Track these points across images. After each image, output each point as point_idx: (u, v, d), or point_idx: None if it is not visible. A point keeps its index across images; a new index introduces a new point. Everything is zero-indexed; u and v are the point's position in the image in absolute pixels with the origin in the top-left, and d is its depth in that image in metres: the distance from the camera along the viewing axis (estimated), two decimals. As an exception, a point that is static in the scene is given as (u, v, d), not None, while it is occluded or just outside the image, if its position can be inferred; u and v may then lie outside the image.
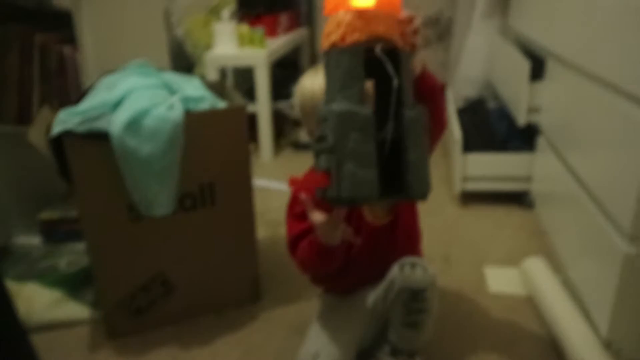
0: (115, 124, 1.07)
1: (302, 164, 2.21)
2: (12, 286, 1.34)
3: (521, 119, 1.66)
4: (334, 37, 0.75)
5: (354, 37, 0.74)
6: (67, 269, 1.44)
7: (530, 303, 1.28)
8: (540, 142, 1.66)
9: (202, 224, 1.20)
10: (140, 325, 1.23)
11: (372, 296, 1.05)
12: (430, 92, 0.89)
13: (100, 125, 1.08)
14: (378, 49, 0.75)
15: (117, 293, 1.20)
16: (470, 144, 1.78)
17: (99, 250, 1.16)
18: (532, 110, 1.64)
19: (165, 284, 1.22)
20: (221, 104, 1.20)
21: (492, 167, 1.76)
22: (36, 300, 1.30)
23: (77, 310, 1.30)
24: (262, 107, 2.21)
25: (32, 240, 1.59)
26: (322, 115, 0.76)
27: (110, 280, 1.19)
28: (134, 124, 1.07)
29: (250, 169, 1.24)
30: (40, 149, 1.19)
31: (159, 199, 1.11)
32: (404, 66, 0.77)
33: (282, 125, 2.46)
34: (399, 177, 0.78)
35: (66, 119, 1.08)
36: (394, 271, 0.98)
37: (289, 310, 1.30)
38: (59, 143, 1.08)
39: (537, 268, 1.31)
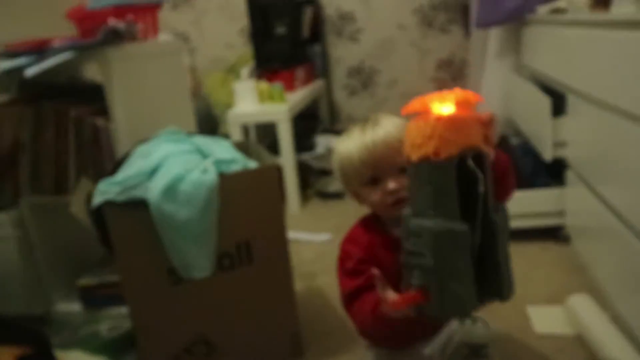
0: (153, 191, 1.10)
1: (329, 212, 2.25)
2: (57, 354, 1.35)
3: (547, 154, 1.66)
4: (426, 150, 0.73)
5: (448, 152, 0.72)
6: (109, 334, 1.45)
7: (579, 342, 1.24)
8: (570, 175, 1.65)
9: (241, 282, 1.21)
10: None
11: (429, 350, 1.04)
12: (502, 172, 0.88)
13: (138, 193, 1.12)
14: (470, 161, 0.74)
15: (161, 356, 1.20)
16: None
17: (141, 314, 1.17)
18: (558, 145, 1.65)
19: (207, 345, 1.23)
20: (252, 164, 1.24)
21: (521, 205, 1.75)
22: (82, 368, 1.32)
23: (122, 376, 1.30)
24: (287, 160, 2.25)
25: (72, 307, 1.61)
26: (414, 231, 0.76)
27: (153, 344, 1.20)
28: (170, 190, 1.10)
29: (284, 225, 1.25)
30: (82, 219, 1.23)
31: (198, 262, 1.13)
32: (488, 169, 0.76)
33: (307, 176, 2.49)
34: (486, 279, 0.78)
35: (106, 190, 1.12)
36: (454, 325, 0.97)
37: (333, 364, 1.28)
38: (100, 213, 1.12)
39: (583, 305, 1.28)
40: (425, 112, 0.76)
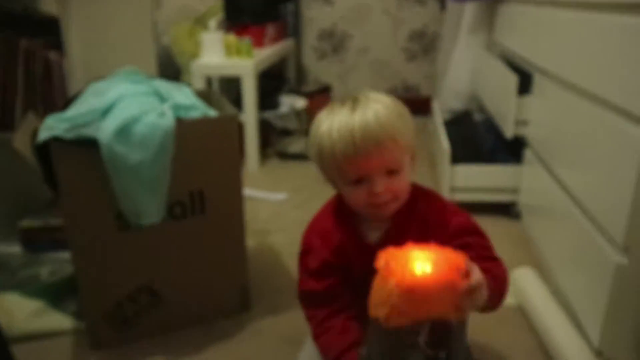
0: (105, 130, 1.05)
1: (288, 173, 2.23)
2: (-8, 296, 1.30)
3: (508, 131, 1.68)
4: (377, 313, 0.71)
5: (398, 322, 0.70)
6: (49, 279, 1.40)
7: (521, 313, 1.28)
8: (528, 154, 1.67)
9: (191, 232, 1.18)
10: (126, 336, 1.20)
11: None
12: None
13: (89, 132, 1.06)
14: (420, 339, 0.72)
15: (102, 303, 1.16)
16: (458, 156, 1.79)
17: (84, 259, 1.12)
18: (520, 123, 1.66)
19: (152, 294, 1.20)
20: (212, 113, 1.19)
21: (479, 179, 1.77)
22: (16, 311, 1.26)
23: (59, 320, 1.26)
24: (249, 116, 2.20)
25: (11, 249, 1.55)
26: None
27: (95, 290, 1.16)
28: (123, 131, 1.05)
29: (241, 178, 1.22)
30: (25, 155, 1.16)
31: (148, 208, 1.09)
32: (454, 335, 0.74)
33: (268, 135, 2.45)
34: None
35: (53, 125, 1.05)
36: None
37: (279, 320, 1.28)
38: (46, 150, 1.05)
39: (527, 278, 1.32)
40: (392, 261, 0.71)
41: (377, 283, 0.72)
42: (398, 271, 0.69)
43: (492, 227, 1.72)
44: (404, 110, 0.89)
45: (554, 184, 1.38)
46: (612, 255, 1.01)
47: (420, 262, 0.69)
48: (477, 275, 0.74)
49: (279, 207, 1.89)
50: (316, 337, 0.96)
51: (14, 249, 1.55)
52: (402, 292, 0.67)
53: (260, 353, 1.18)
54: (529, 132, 1.65)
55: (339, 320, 0.94)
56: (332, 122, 0.86)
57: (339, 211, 0.97)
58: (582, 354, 1.07)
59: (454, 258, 0.72)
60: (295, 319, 1.26)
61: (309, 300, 0.99)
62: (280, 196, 1.95)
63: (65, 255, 1.43)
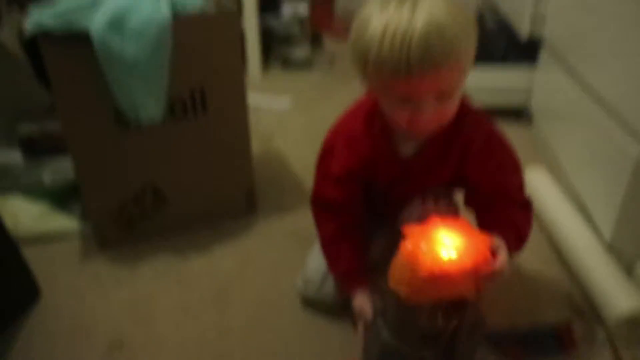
0: (97, 22, 0.98)
1: (292, 81, 2.16)
2: (-4, 200, 1.29)
3: (524, 30, 1.59)
4: (398, 289, 0.70)
5: (417, 301, 0.70)
6: (52, 183, 1.38)
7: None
8: (543, 54, 1.59)
9: (194, 131, 1.14)
10: (132, 236, 1.20)
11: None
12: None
13: (80, 24, 0.99)
14: (439, 316, 0.72)
15: (107, 204, 1.15)
16: (469, 58, 1.71)
17: (85, 160, 1.10)
18: (536, 19, 1.57)
19: (156, 195, 1.18)
20: (211, 7, 1.11)
21: (491, 80, 1.71)
22: (22, 214, 1.26)
23: (65, 222, 1.26)
24: (249, 20, 2.09)
25: (12, 156, 1.52)
26: (375, 328, 0.79)
27: (99, 192, 1.14)
28: (117, 23, 0.99)
29: (244, 76, 1.16)
30: (13, 51, 1.10)
31: (147, 105, 1.04)
32: (469, 312, 0.74)
33: (270, 42, 2.35)
34: None
35: (41, 18, 0.98)
36: (416, 203, 0.88)
37: (285, 221, 1.27)
38: (35, 45, 0.99)
39: (537, 176, 1.29)
40: (419, 244, 0.69)
41: (400, 259, 0.70)
42: (425, 256, 0.67)
43: (503, 131, 1.69)
44: (471, 19, 0.72)
45: (572, 83, 1.32)
46: (632, 149, 0.97)
47: (447, 248, 0.68)
48: (502, 257, 0.73)
49: (282, 113, 1.84)
50: (325, 246, 0.94)
51: (15, 155, 1.52)
52: (426, 277, 0.67)
53: (268, 251, 1.18)
54: (547, 29, 1.56)
55: (351, 237, 0.92)
56: (386, 24, 0.67)
57: (370, 117, 0.86)
58: (593, 248, 1.07)
59: (480, 244, 0.70)
60: (302, 220, 1.26)
61: (323, 207, 0.94)
62: (284, 103, 1.90)
63: (67, 161, 1.40)
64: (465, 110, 0.82)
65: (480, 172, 0.86)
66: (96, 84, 1.01)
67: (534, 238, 1.18)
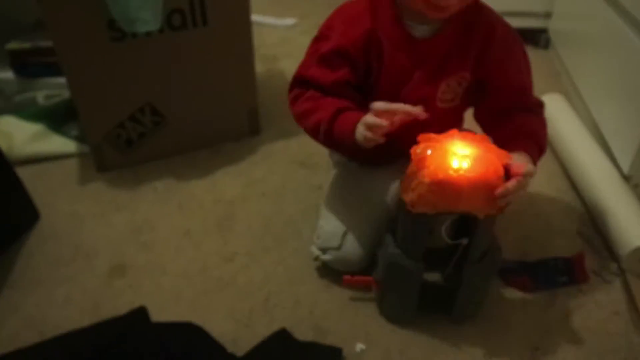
0: None
1: (296, 2, 2.03)
2: (-12, 119, 1.23)
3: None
4: (406, 197, 0.68)
5: (423, 210, 0.67)
6: (46, 102, 1.32)
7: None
8: (567, -30, 1.48)
9: (194, 46, 1.07)
10: (131, 158, 1.15)
11: None
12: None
13: None
14: (443, 229, 0.70)
15: (104, 124, 1.10)
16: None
17: (79, 77, 1.03)
18: None
19: (156, 114, 1.12)
20: None
21: (508, 1, 1.60)
22: (16, 134, 1.21)
23: (61, 143, 1.21)
24: None
25: (3, 75, 1.45)
26: (383, 244, 0.78)
27: (95, 110, 1.08)
28: None
29: (245, -15, 1.08)
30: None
31: (142, 14, 0.96)
32: (480, 229, 0.70)
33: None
34: (442, 300, 0.82)
35: None
36: None
37: (289, 144, 1.22)
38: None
39: (554, 104, 1.23)
40: (429, 149, 0.66)
41: (410, 167, 0.67)
42: (432, 162, 0.64)
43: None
44: None
45: (600, 4, 1.22)
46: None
47: (458, 158, 0.65)
48: (528, 169, 0.67)
49: (287, 32, 1.75)
50: (309, 101, 0.80)
51: (7, 74, 1.45)
52: (431, 184, 0.64)
53: (271, 174, 1.14)
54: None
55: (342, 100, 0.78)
56: None
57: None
58: (609, 179, 1.02)
59: (495, 159, 0.66)
60: (307, 144, 1.21)
61: (302, 85, 0.82)
62: (288, 21, 1.80)
63: (60, 80, 1.33)
64: (481, 3, 0.79)
65: (502, 67, 0.80)
66: (88, -8, 0.93)
67: (548, 166, 1.15)
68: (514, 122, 0.80)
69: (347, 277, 0.86)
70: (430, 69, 0.79)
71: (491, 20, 0.79)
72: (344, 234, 0.87)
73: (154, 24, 0.97)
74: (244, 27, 1.10)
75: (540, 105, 0.85)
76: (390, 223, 0.79)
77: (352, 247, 0.87)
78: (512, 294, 0.88)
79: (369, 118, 0.70)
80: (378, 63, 0.79)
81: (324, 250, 0.89)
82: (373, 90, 0.82)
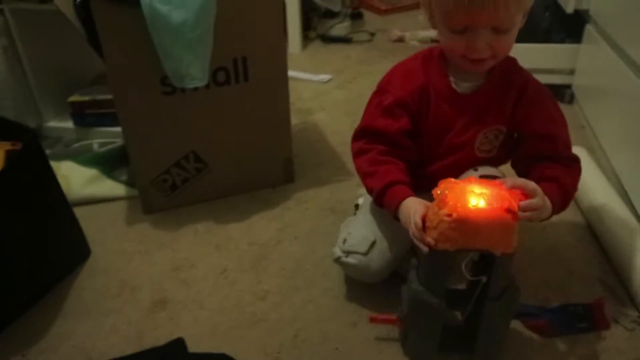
0: (145, -10, 1.01)
1: (331, 56, 2.17)
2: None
3: (569, 3, 1.55)
4: (429, 235, 0.74)
5: (445, 247, 0.73)
6: (101, 150, 1.45)
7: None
8: (588, 30, 1.55)
9: (236, 100, 1.17)
10: (175, 202, 1.25)
11: None
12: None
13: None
14: (464, 264, 0.76)
15: (152, 169, 1.20)
16: (512, 34, 1.68)
17: (133, 124, 1.14)
18: (583, -7, 1.53)
19: (198, 161, 1.22)
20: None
21: (533, 59, 1.67)
22: (73, 178, 1.32)
23: (112, 187, 1.32)
24: (291, -5, 2.10)
25: (63, 125, 1.59)
26: (408, 281, 0.83)
27: (144, 157, 1.19)
28: (163, -9, 1.02)
29: (285, 46, 1.19)
30: (67, 14, 1.15)
31: (192, 71, 1.07)
32: (498, 266, 0.75)
33: (310, 16, 2.35)
34: (463, 340, 0.85)
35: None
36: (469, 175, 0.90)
37: (321, 192, 1.30)
38: (87, 8, 1.03)
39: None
40: (448, 190, 0.73)
41: (431, 208, 0.75)
42: (452, 201, 0.71)
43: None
44: None
45: (617, 60, 1.29)
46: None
47: (475, 197, 0.71)
48: (535, 201, 0.77)
49: (321, 87, 1.86)
50: (366, 167, 0.91)
51: (67, 124, 1.59)
52: (451, 221, 0.70)
53: (303, 221, 1.21)
54: (593, 3, 1.52)
55: (398, 163, 0.90)
56: None
57: (430, 57, 0.92)
58: (630, 229, 1.05)
59: (510, 198, 0.72)
60: (337, 193, 1.29)
61: (369, 136, 0.92)
62: (323, 77, 1.91)
63: (114, 129, 1.47)
64: (516, 62, 0.92)
65: (533, 117, 0.89)
66: (144, 48, 1.04)
67: (571, 216, 1.18)
68: (539, 168, 0.88)
69: (373, 316, 0.91)
70: (469, 119, 0.90)
71: (525, 78, 0.91)
72: (373, 243, 0.93)
73: (202, 80, 1.08)
74: (282, 83, 1.21)
75: (574, 160, 0.91)
76: (414, 260, 0.85)
77: (378, 257, 0.93)
78: (531, 338, 0.91)
79: (414, 214, 0.78)
80: (426, 112, 0.91)
81: (348, 253, 0.94)
82: (421, 135, 0.93)
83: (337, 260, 0.96)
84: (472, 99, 0.89)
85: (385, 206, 0.88)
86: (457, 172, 0.83)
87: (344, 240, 0.96)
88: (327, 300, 1.00)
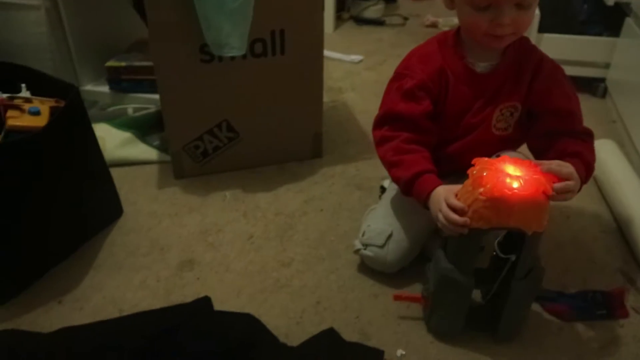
0: (190, -41, 1.03)
1: (363, 37, 2.17)
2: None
3: (611, -4, 1.53)
4: (461, 215, 0.76)
5: (478, 225, 0.75)
6: (135, 114, 1.48)
7: (593, 183, 1.25)
8: (628, 24, 1.53)
9: (271, 72, 1.20)
10: (205, 169, 1.28)
11: None
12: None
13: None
14: (495, 244, 0.79)
15: (185, 135, 1.24)
16: (546, 24, 1.67)
17: (169, 89, 1.18)
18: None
19: (230, 130, 1.25)
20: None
21: (568, 51, 1.66)
22: (108, 140, 1.36)
23: (145, 151, 1.36)
24: (327, -26, 2.10)
25: (99, 89, 1.63)
26: (434, 258, 0.85)
27: (178, 122, 1.22)
28: (208, -39, 1.04)
29: (322, 22, 1.20)
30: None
31: (231, 40, 1.09)
32: (528, 244, 0.77)
33: (344, -2, 2.35)
34: (487, 317, 0.88)
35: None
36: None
37: (348, 168, 1.32)
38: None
39: (606, 148, 1.27)
40: (485, 171, 0.74)
41: (465, 186, 0.76)
42: (488, 181, 0.72)
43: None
44: None
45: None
46: None
47: (512, 178, 0.72)
48: (572, 182, 0.78)
49: (353, 67, 1.87)
50: (391, 156, 0.91)
51: (103, 88, 1.63)
52: (486, 200, 0.72)
53: (330, 194, 1.24)
54: (635, -2, 1.50)
55: (423, 151, 0.90)
56: None
57: (445, 40, 0.93)
58: (656, 221, 1.06)
59: (544, 180, 0.74)
60: (365, 170, 1.31)
61: (392, 121, 0.93)
62: (355, 57, 1.92)
63: (148, 95, 1.50)
64: (529, 40, 0.93)
65: (549, 94, 0.91)
66: (187, 16, 1.07)
67: (594, 206, 1.19)
68: (560, 145, 0.89)
69: (397, 294, 0.94)
70: (487, 98, 0.92)
71: (540, 55, 0.93)
72: (390, 235, 0.96)
73: (240, 50, 1.11)
74: (317, 59, 1.22)
75: (588, 134, 0.93)
76: (440, 239, 0.87)
77: (394, 249, 0.96)
78: (550, 321, 0.93)
79: (444, 200, 0.79)
80: (445, 95, 0.92)
81: (366, 246, 0.98)
82: (441, 117, 0.94)
83: (357, 252, 1.00)
84: (489, 78, 0.91)
85: (414, 196, 0.88)
86: (475, 152, 0.83)
87: (363, 233, 0.99)
88: (350, 271, 1.03)
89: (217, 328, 0.89)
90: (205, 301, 0.95)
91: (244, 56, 1.14)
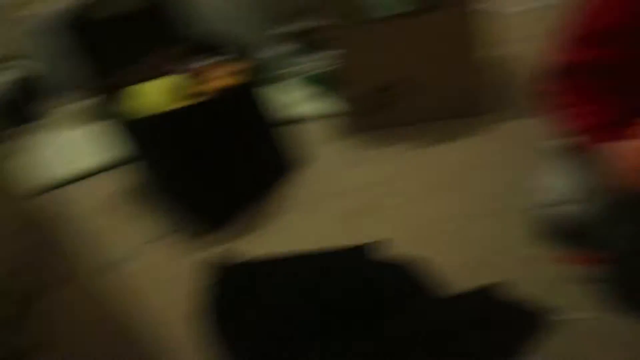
0: None
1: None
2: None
3: None
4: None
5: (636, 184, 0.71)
6: (315, 73, 1.62)
7: None
8: None
9: (436, 29, 1.24)
10: (379, 123, 1.38)
11: None
12: None
13: None
14: None
15: (356, 91, 1.35)
16: None
17: (347, 52, 1.29)
18: None
19: (399, 87, 1.33)
20: None
21: None
22: (292, 95, 1.54)
23: (326, 106, 1.50)
24: None
25: (275, 52, 1.78)
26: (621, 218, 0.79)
27: (355, 82, 1.34)
28: None
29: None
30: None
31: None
32: None
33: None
34: None
35: None
36: None
37: (511, 127, 1.31)
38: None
39: None
40: None
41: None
42: None
43: None
44: None
45: None
46: None
47: None
48: None
49: (515, 20, 1.78)
50: (573, 104, 0.80)
51: (278, 51, 1.78)
52: None
53: (491, 153, 1.25)
54: None
55: (604, 100, 0.78)
56: None
57: None
58: None
59: None
60: (529, 128, 1.27)
61: (569, 73, 0.81)
62: (517, 9, 1.83)
63: (319, 58, 1.61)
64: None
65: None
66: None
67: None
68: None
69: (568, 256, 0.91)
70: None
71: None
72: (561, 194, 0.92)
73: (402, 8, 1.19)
74: (478, 15, 1.24)
75: None
76: (624, 200, 0.80)
77: (566, 208, 0.91)
78: None
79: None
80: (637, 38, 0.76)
81: (543, 204, 0.95)
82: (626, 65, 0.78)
83: (528, 212, 0.98)
84: None
85: (590, 150, 0.80)
86: None
87: (534, 194, 0.96)
88: (521, 230, 1.02)
89: (390, 270, 0.98)
90: (383, 244, 1.03)
91: (407, 15, 1.21)
